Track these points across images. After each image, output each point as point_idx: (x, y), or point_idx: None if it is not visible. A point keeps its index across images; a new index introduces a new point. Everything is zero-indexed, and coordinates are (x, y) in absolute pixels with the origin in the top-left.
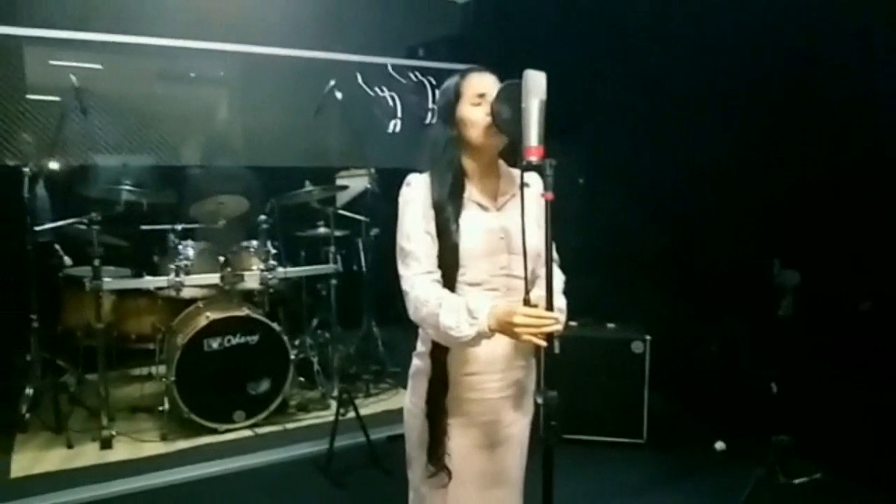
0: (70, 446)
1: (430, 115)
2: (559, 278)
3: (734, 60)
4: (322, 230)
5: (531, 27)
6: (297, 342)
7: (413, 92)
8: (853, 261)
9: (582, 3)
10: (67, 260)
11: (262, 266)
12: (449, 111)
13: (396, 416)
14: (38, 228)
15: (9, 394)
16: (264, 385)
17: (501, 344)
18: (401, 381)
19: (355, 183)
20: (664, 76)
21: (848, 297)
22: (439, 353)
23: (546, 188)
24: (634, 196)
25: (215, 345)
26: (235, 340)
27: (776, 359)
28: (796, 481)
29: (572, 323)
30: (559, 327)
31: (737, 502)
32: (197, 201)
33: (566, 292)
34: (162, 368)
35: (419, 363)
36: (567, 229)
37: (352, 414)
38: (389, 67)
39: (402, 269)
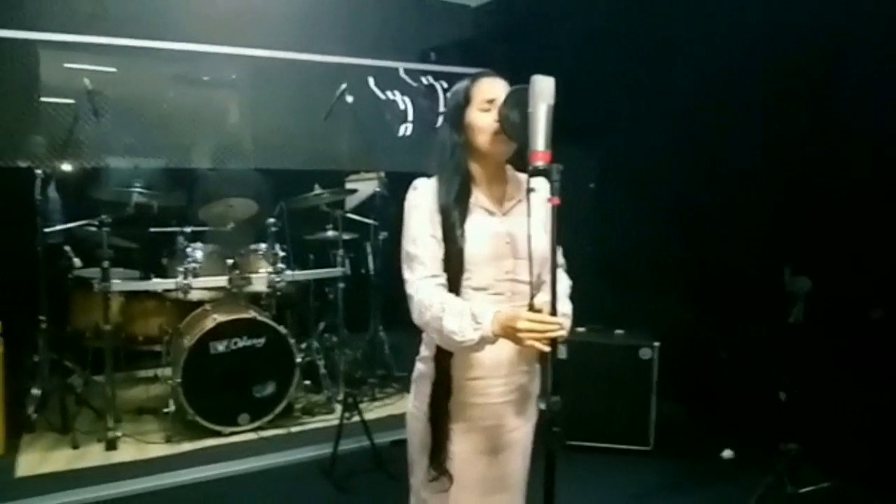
0: (76, 447)
1: (440, 118)
2: (565, 283)
3: (745, 66)
4: (331, 233)
5: (544, 31)
6: (303, 345)
7: (425, 96)
8: (865, 268)
9: (594, 8)
10: (77, 262)
11: (269, 269)
12: (458, 116)
13: (401, 420)
14: (48, 230)
15: (16, 394)
16: (269, 388)
17: (506, 349)
18: (407, 386)
19: (365, 186)
20: (676, 81)
21: (859, 305)
22: (443, 358)
23: (553, 193)
24: (645, 202)
25: (221, 347)
26: (241, 343)
27: (786, 366)
28: (804, 490)
29: (580, 329)
30: (563, 333)
31: None
32: (206, 204)
33: (572, 297)
34: (168, 370)
35: (423, 367)
36: (577, 234)
37: (357, 418)
38: (401, 71)
39: (406, 273)
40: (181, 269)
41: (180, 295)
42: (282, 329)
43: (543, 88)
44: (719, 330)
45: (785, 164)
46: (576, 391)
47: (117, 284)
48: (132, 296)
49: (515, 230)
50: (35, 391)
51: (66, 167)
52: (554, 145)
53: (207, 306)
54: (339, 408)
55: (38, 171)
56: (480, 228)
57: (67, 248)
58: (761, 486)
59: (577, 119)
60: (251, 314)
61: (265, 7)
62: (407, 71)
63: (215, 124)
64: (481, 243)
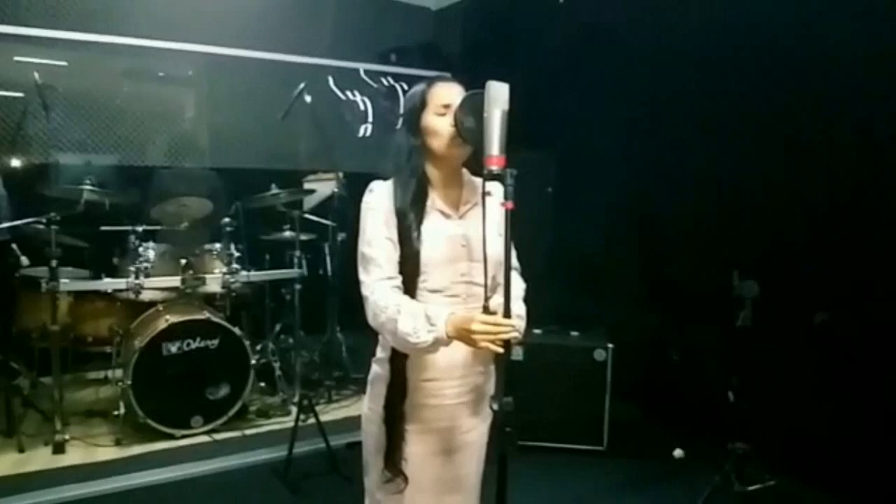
0: (21, 450)
1: (400, 120)
2: (519, 286)
3: (695, 75)
4: (288, 234)
5: (503, 36)
6: (258, 347)
7: (385, 97)
8: (809, 274)
9: (552, 15)
10: (24, 260)
11: (224, 269)
12: (414, 119)
13: (358, 422)
14: None
15: None
16: (224, 390)
17: (460, 350)
18: (364, 388)
19: (323, 187)
20: (632, 89)
21: (804, 309)
22: (398, 360)
23: (506, 197)
24: (600, 207)
25: (174, 349)
26: (195, 344)
27: (734, 368)
28: (751, 488)
29: (536, 330)
30: (517, 334)
31: None
32: (159, 202)
33: (527, 300)
34: (119, 372)
35: (378, 369)
36: (534, 238)
37: (312, 420)
38: (362, 72)
39: (362, 275)
40: (133, 268)
41: (132, 295)
42: (236, 330)
43: (498, 94)
44: (671, 332)
45: (734, 172)
46: (532, 392)
47: (66, 284)
48: (81, 296)
49: (471, 233)
50: None
51: (14, 162)
52: (512, 150)
53: (160, 307)
54: (294, 410)
55: None
56: (436, 231)
57: (14, 245)
58: (710, 484)
59: (535, 124)
60: (205, 315)
61: (223, 4)
62: (367, 72)
63: (170, 121)
64: (437, 246)
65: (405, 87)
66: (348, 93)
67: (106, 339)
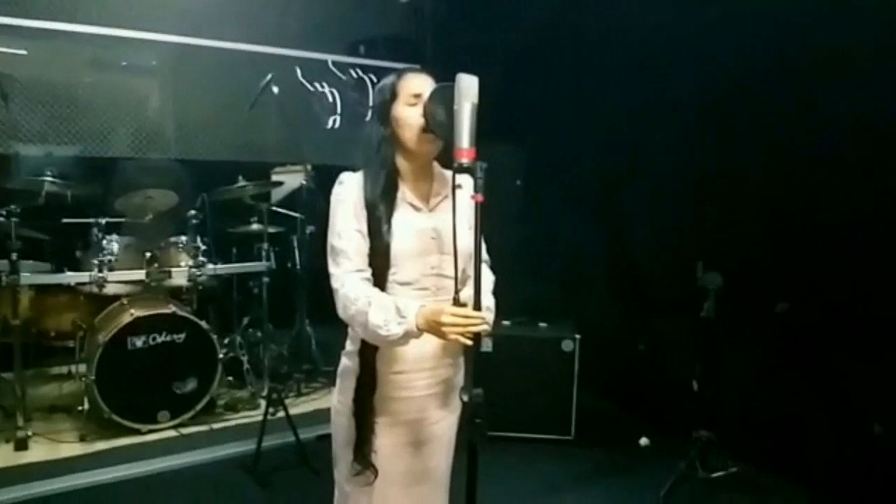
0: None
1: (370, 112)
2: (488, 278)
3: (665, 67)
4: (255, 227)
5: (472, 29)
6: (226, 341)
7: (353, 89)
8: (771, 265)
9: (522, 8)
10: None
11: (190, 262)
12: (384, 110)
13: (327, 415)
14: None
15: None
16: (191, 384)
17: (430, 343)
18: (333, 381)
19: (291, 179)
20: (599, 82)
21: (765, 300)
22: (368, 352)
23: (476, 190)
24: (568, 200)
25: (139, 343)
26: (161, 339)
27: (699, 358)
28: (714, 475)
29: (505, 322)
30: (486, 327)
31: (658, 496)
32: (124, 194)
33: (496, 292)
34: (82, 367)
35: (348, 362)
36: (503, 230)
37: (281, 413)
38: (330, 63)
39: (332, 268)
40: (96, 261)
41: (95, 289)
42: (203, 324)
43: (468, 87)
44: (637, 323)
45: (698, 166)
46: (501, 383)
47: (27, 277)
48: (43, 289)
49: (441, 226)
50: None
51: None
52: (483, 143)
53: (124, 300)
54: (263, 403)
55: None
56: (406, 224)
57: None
58: (675, 472)
59: (505, 117)
60: (171, 309)
61: None
62: (335, 63)
63: (134, 112)
64: (407, 239)
65: (374, 78)
66: (316, 84)
67: (69, 334)
